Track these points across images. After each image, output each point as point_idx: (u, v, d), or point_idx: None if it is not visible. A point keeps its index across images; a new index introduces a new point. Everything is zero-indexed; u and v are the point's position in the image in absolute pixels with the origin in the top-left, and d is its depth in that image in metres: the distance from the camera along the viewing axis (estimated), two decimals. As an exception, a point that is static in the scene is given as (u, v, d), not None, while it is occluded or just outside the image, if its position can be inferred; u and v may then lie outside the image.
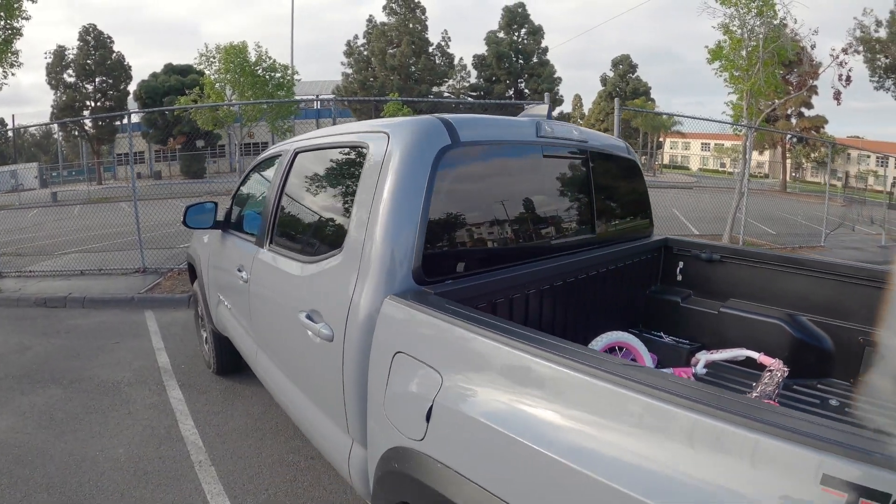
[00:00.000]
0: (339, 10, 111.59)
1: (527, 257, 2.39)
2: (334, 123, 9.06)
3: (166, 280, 7.83)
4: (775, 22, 10.10)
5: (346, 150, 2.42)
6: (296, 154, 2.91)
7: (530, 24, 48.01)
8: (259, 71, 22.79)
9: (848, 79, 11.68)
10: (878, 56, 24.35)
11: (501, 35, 48.09)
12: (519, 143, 2.41)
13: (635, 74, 56.07)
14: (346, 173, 2.41)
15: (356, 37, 45.66)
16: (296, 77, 25.21)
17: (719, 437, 1.02)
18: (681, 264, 3.35)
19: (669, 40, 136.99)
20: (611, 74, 56.68)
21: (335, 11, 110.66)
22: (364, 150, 2.17)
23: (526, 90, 47.70)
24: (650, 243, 3.29)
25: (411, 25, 43.82)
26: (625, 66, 56.11)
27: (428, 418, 1.50)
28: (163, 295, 7.10)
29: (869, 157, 43.16)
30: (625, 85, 54.39)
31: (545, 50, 48.47)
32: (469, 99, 42.61)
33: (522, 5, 47.53)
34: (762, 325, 2.81)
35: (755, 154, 10.46)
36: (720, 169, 52.08)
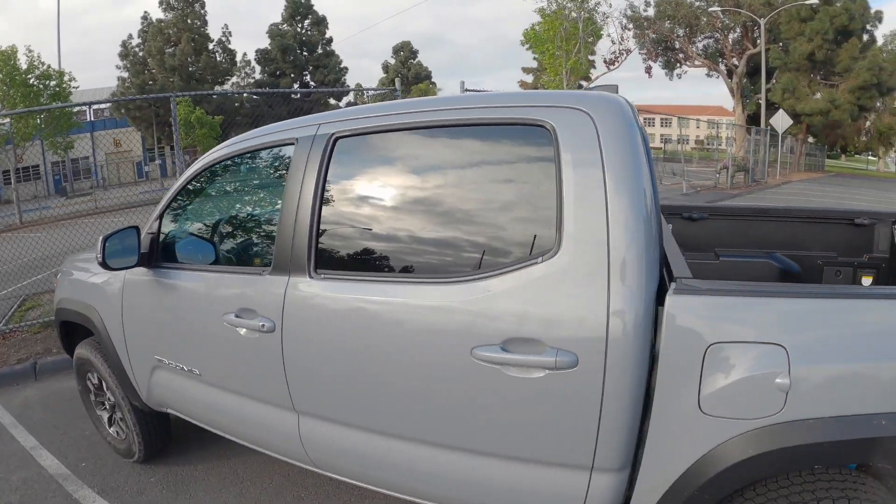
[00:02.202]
0: (102, 11, 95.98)
1: None
2: (177, 132, 7.47)
3: (-9, 348, 5.78)
4: (588, 5, 10.87)
5: (501, 128, 1.95)
6: (335, 140, 2.14)
7: (314, 15, 46.02)
8: (32, 80, 18.52)
9: (656, 55, 13.17)
10: (646, 32, 28.12)
11: (285, 27, 45.42)
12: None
13: (416, 60, 56.75)
14: (508, 158, 2.02)
15: (131, 36, 39.93)
16: (73, 85, 21.03)
17: None
18: (670, 226, 3.46)
19: (443, 26, 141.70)
20: (392, 61, 56.66)
21: (98, 13, 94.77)
22: (545, 129, 1.81)
23: (312, 82, 45.86)
24: None
25: (190, 21, 39.39)
26: (406, 52, 56.42)
27: (786, 388, 1.52)
28: (-3, 370, 5.18)
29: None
30: (406, 71, 54.64)
31: (330, 40, 46.92)
32: (255, 96, 39.59)
33: (306, -5, 45.27)
34: (754, 265, 3.15)
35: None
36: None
